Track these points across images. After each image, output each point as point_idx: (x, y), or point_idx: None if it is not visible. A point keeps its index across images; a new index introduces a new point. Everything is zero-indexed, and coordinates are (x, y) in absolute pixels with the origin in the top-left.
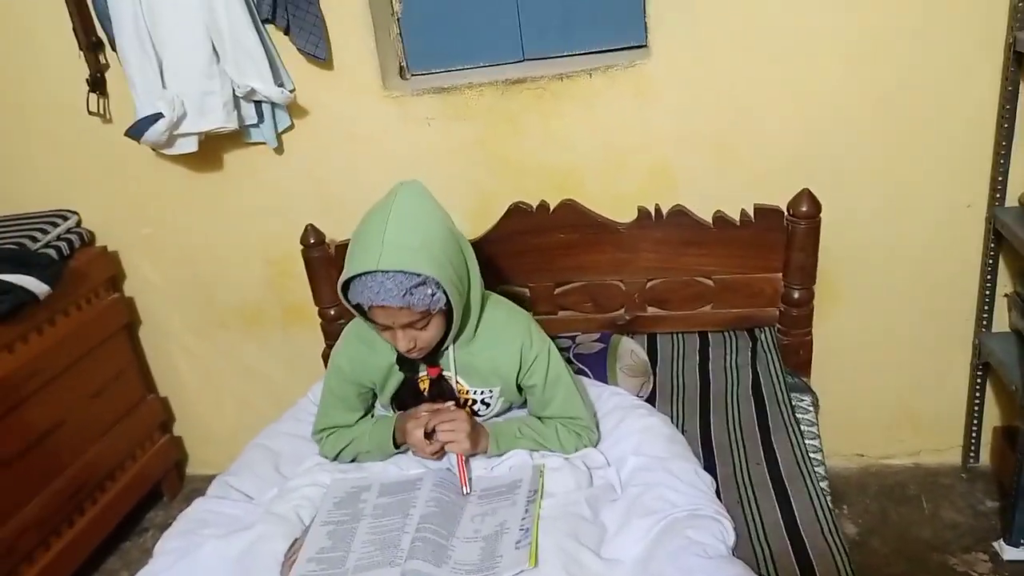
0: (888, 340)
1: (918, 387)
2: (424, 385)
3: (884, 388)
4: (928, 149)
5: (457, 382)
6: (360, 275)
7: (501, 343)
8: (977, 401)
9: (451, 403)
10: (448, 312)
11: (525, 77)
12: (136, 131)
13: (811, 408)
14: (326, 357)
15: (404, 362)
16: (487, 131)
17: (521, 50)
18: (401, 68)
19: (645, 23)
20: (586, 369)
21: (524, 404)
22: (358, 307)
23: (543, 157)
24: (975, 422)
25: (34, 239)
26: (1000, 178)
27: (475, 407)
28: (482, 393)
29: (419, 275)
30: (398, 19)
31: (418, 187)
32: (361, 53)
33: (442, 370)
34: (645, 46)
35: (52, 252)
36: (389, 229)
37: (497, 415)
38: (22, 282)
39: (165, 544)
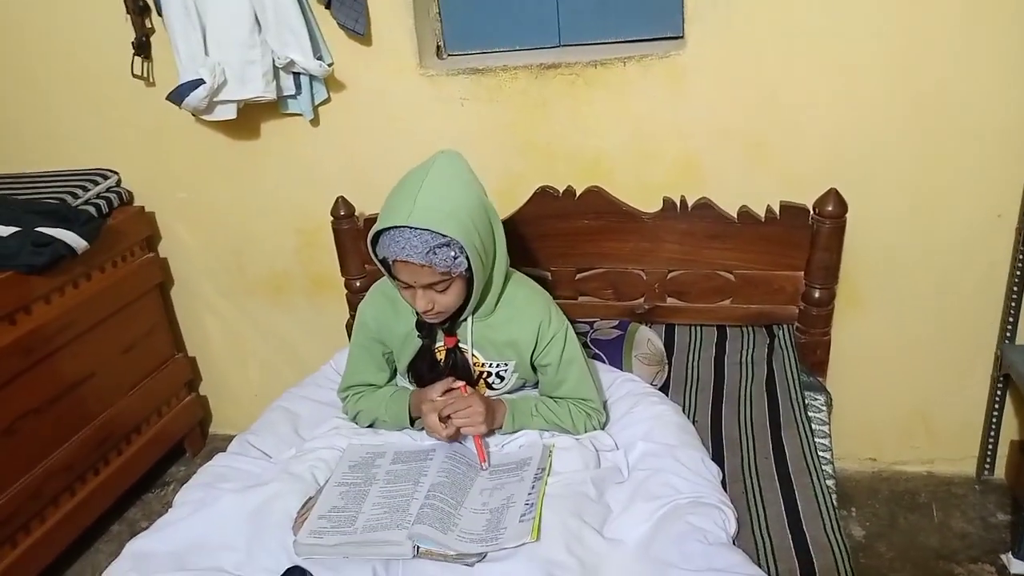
0: (908, 346)
1: (936, 395)
2: (441, 356)
3: (901, 394)
4: (961, 157)
5: (473, 355)
6: (389, 229)
7: (520, 319)
8: (995, 413)
9: (461, 383)
10: (469, 281)
11: (559, 62)
12: (177, 95)
13: (824, 408)
14: (349, 327)
15: (422, 328)
16: (519, 114)
17: (558, 35)
18: (438, 48)
19: (683, 14)
20: (602, 354)
21: (537, 384)
22: (384, 262)
23: (572, 143)
24: (992, 434)
25: (75, 195)
26: None
27: (489, 379)
28: (497, 366)
29: (444, 236)
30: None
31: (457, 156)
32: (400, 31)
33: (459, 341)
34: (681, 37)
35: (91, 209)
36: (423, 190)
37: (510, 391)
38: (62, 236)
39: (185, 495)
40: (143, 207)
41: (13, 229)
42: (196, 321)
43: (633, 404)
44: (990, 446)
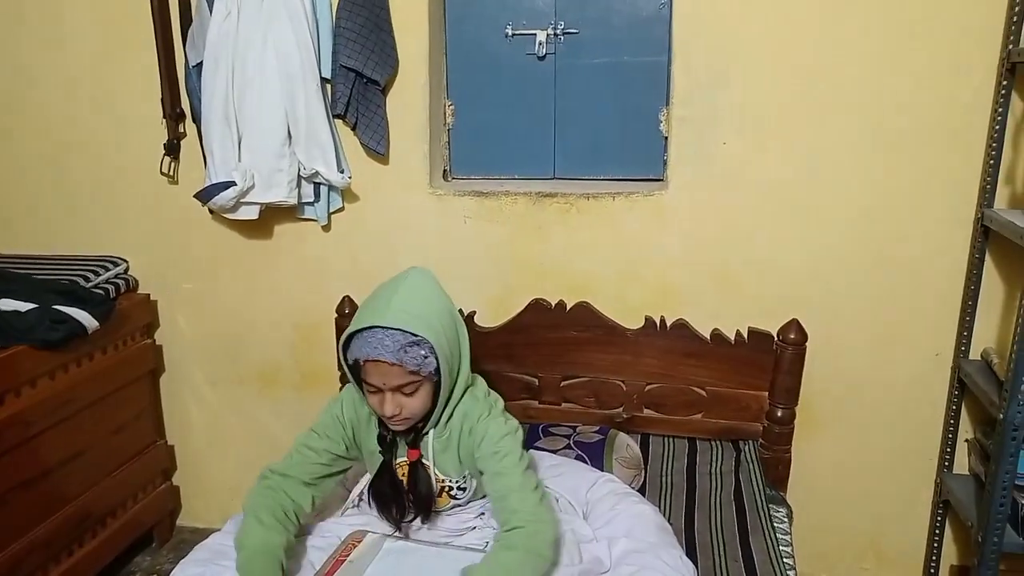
0: (859, 470)
1: (884, 519)
2: (403, 472)
3: (853, 516)
4: (905, 301)
5: (434, 472)
6: (362, 331)
7: (466, 420)
8: (937, 537)
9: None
10: (435, 387)
11: (556, 192)
12: (205, 195)
13: (786, 520)
14: None
15: (383, 444)
16: (516, 234)
17: (553, 169)
18: (445, 171)
19: (664, 160)
20: (584, 455)
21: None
22: (354, 368)
23: (563, 262)
24: (934, 559)
25: (87, 279)
26: (965, 333)
27: (452, 492)
28: (457, 480)
29: (416, 335)
30: (449, 130)
31: (429, 272)
32: (415, 154)
33: (421, 455)
34: (662, 180)
35: (101, 293)
36: (398, 295)
37: (473, 498)
38: (76, 315)
39: (184, 570)
40: (148, 295)
41: (32, 305)
42: (180, 409)
43: (616, 502)
44: (932, 570)
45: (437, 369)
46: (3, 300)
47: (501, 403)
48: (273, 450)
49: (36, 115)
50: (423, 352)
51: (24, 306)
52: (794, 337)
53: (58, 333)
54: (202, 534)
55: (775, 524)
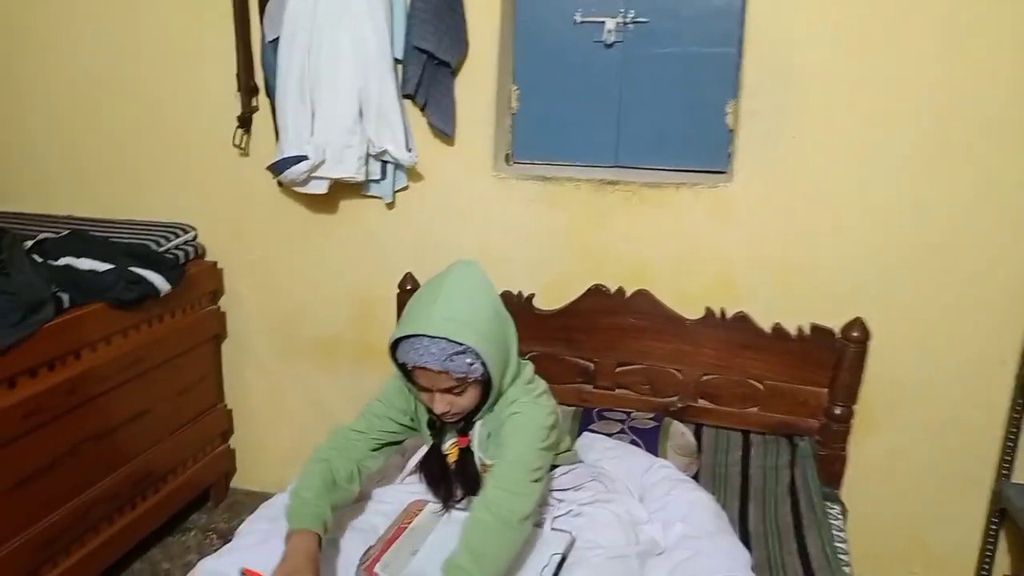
0: (913, 473)
1: (936, 523)
2: (452, 457)
3: (904, 518)
4: (971, 306)
5: (480, 457)
6: (408, 337)
7: (508, 407)
8: (990, 546)
9: None
10: (485, 383)
11: (619, 180)
12: (278, 167)
13: (840, 517)
14: None
15: (433, 428)
16: (578, 220)
17: (615, 156)
18: (507, 155)
19: (729, 153)
20: (640, 441)
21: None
22: (402, 367)
23: (622, 250)
24: (986, 566)
25: (158, 244)
26: None
27: None
28: None
29: (461, 344)
30: (513, 115)
31: (474, 266)
32: (480, 137)
33: (470, 442)
34: (725, 172)
35: (172, 257)
36: (440, 300)
37: None
38: (150, 277)
39: (252, 525)
40: (215, 263)
41: (109, 266)
42: (239, 375)
43: (670, 488)
44: None
45: (485, 370)
46: (82, 259)
47: (541, 387)
48: (328, 421)
49: (116, 86)
50: (468, 360)
51: (101, 266)
52: (857, 335)
53: (132, 293)
54: (255, 497)
55: (830, 521)
